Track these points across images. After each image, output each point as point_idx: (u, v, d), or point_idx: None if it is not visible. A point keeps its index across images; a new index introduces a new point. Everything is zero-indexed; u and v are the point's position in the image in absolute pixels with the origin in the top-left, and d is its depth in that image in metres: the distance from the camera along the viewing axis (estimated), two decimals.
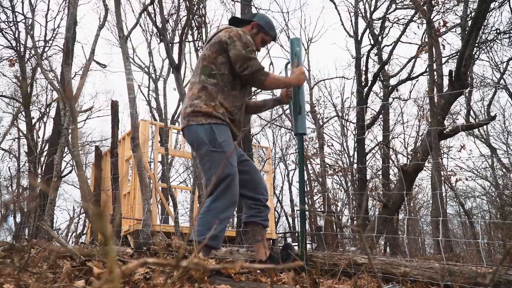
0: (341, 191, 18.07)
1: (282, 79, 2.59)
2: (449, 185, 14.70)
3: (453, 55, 10.66)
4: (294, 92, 2.69)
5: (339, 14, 18.43)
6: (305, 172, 15.93)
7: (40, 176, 11.06)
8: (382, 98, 13.80)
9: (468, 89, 9.58)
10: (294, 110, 2.68)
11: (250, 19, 2.69)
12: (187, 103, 2.49)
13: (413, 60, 13.16)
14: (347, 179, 15.96)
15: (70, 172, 15.48)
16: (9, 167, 14.44)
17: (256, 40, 2.65)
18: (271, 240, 6.74)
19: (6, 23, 12.70)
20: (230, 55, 2.43)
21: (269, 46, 15.56)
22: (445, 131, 7.95)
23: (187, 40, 5.38)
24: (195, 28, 5.75)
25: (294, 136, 2.79)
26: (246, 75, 2.43)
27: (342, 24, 13.98)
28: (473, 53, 8.11)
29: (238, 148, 2.69)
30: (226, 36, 2.46)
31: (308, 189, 16.15)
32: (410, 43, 13.54)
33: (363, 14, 13.59)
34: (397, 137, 17.13)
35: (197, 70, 2.54)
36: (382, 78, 13.35)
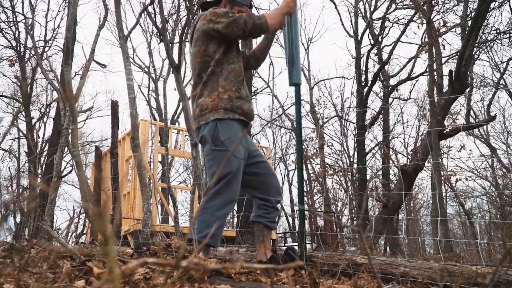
0: (341, 191, 18.07)
1: (278, 13, 2.53)
2: (449, 185, 14.70)
3: (453, 55, 10.67)
4: (285, 41, 2.65)
5: (339, 14, 18.40)
6: (305, 172, 15.94)
7: (40, 176, 11.05)
8: (382, 98, 13.81)
9: (468, 89, 9.57)
10: (287, 62, 2.64)
11: None
12: (194, 104, 2.48)
13: (413, 60, 13.18)
14: (347, 179, 15.96)
15: (70, 172, 15.45)
16: (9, 167, 14.43)
17: None
18: (271, 240, 6.73)
19: (6, 23, 12.70)
20: (222, 32, 2.39)
21: None
22: (445, 131, 7.94)
23: (187, 40, 5.38)
24: None
25: (290, 86, 2.71)
26: (250, 32, 2.39)
27: (342, 24, 14.01)
28: (473, 53, 8.11)
29: (255, 147, 2.64)
30: (206, 23, 2.43)
31: (308, 189, 16.16)
32: (410, 43, 13.56)
33: (363, 14, 13.60)
34: (397, 137, 17.17)
35: (194, 70, 2.52)
36: (382, 78, 13.35)
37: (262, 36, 2.69)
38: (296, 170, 2.71)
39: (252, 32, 2.40)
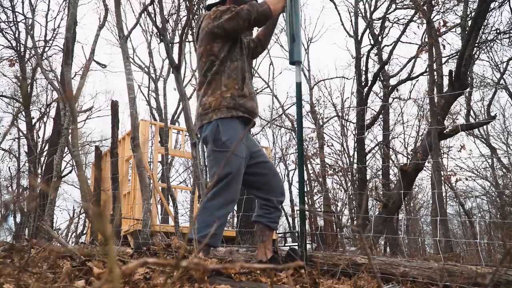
0: (341, 191, 18.06)
1: None
2: (449, 185, 14.70)
3: (453, 55, 10.66)
4: (286, 19, 2.65)
5: (339, 14, 18.36)
6: (305, 172, 15.92)
7: (40, 176, 11.05)
8: (382, 98, 13.81)
9: (468, 89, 9.57)
10: (289, 39, 2.64)
11: None
12: (198, 103, 2.50)
13: (413, 60, 13.18)
14: (347, 179, 15.95)
15: (70, 172, 15.46)
16: (9, 167, 14.42)
17: None
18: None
19: (6, 23, 12.71)
20: (226, 28, 2.39)
21: (269, 46, 15.56)
22: (445, 131, 7.95)
23: (187, 40, 5.38)
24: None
25: (291, 65, 2.72)
26: (255, 21, 2.38)
27: (342, 24, 14.00)
28: (473, 53, 8.11)
29: (259, 147, 2.63)
30: (210, 21, 2.43)
31: (308, 189, 16.14)
32: (410, 43, 13.58)
33: (363, 14, 13.60)
34: (397, 137, 17.17)
35: (199, 70, 2.53)
36: (382, 78, 13.35)
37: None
38: (297, 169, 2.70)
39: (257, 20, 2.38)
